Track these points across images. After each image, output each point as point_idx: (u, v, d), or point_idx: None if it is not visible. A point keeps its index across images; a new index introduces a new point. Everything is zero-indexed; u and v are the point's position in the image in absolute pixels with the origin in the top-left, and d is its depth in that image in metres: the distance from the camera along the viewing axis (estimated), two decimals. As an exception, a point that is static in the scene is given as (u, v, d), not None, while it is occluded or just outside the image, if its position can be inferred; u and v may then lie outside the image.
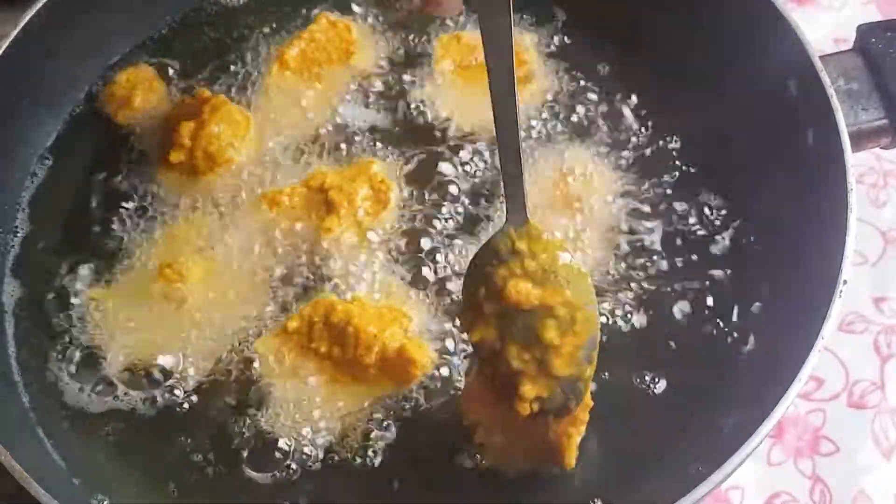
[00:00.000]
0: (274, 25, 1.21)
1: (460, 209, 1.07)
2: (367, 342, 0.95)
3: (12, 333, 1.04)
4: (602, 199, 1.07)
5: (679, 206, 1.07)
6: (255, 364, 0.99)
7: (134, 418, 0.98)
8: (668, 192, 1.08)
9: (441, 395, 0.97)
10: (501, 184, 1.07)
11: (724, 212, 1.07)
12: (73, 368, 1.01)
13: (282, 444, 0.95)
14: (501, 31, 0.72)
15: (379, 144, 1.12)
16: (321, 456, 0.95)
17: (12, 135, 1.11)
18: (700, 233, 1.06)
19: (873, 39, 1.02)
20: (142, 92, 1.15)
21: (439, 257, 1.04)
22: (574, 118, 1.13)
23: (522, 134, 1.10)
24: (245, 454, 0.96)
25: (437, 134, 1.12)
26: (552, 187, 1.07)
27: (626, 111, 1.13)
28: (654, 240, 1.05)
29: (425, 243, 1.05)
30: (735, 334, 1.00)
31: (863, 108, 1.00)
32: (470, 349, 0.98)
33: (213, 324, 1.02)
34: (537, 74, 1.15)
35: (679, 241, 1.05)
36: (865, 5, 1.39)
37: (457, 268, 1.04)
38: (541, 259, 0.80)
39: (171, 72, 1.19)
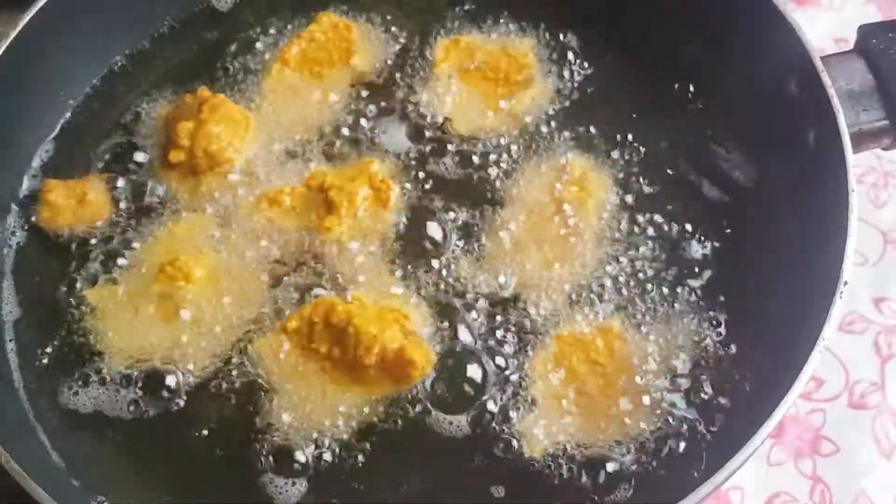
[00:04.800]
0: (275, 25, 1.21)
1: (460, 210, 1.07)
2: (368, 343, 0.95)
3: (12, 335, 1.04)
4: (599, 203, 1.07)
5: (679, 207, 1.07)
6: (255, 364, 0.99)
7: (133, 419, 0.98)
8: (668, 193, 1.08)
9: (440, 395, 0.97)
10: (501, 186, 1.08)
11: (724, 213, 1.07)
12: (72, 369, 1.01)
13: (281, 444, 0.95)
14: None
15: (379, 144, 1.12)
16: (320, 456, 0.95)
17: (12, 130, 1.11)
18: (699, 234, 1.06)
19: (874, 40, 1.02)
20: (89, 202, 1.08)
21: (439, 257, 1.04)
22: (573, 122, 1.13)
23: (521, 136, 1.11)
24: (244, 454, 0.95)
25: (437, 135, 1.12)
26: (549, 191, 1.07)
27: (626, 114, 1.13)
28: (652, 242, 1.05)
29: (425, 243, 1.05)
30: (734, 335, 1.00)
31: (864, 109, 1.00)
32: (469, 349, 0.99)
33: (212, 324, 1.01)
34: (537, 79, 1.15)
35: (677, 243, 1.05)
36: (866, 5, 1.39)
37: (456, 268, 1.03)
38: None
39: (120, 182, 1.11)
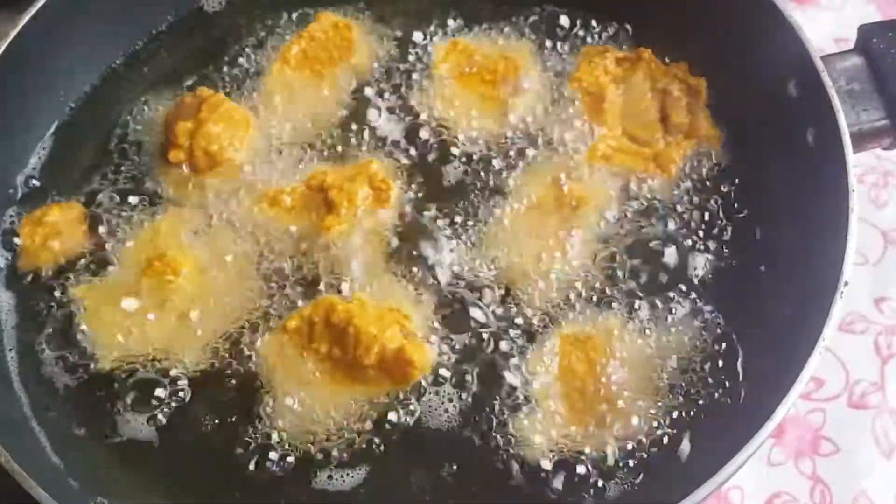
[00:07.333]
0: (275, 24, 1.21)
1: (460, 210, 1.07)
2: (368, 342, 0.95)
3: (9, 335, 1.04)
4: (601, 203, 1.06)
5: (678, 208, 1.07)
6: (255, 364, 0.99)
7: (132, 419, 0.98)
8: (669, 193, 1.08)
9: (439, 396, 0.97)
10: (500, 186, 1.08)
11: (723, 213, 1.06)
12: (70, 369, 1.00)
13: (280, 444, 0.95)
14: None
15: (378, 144, 1.12)
16: (320, 456, 0.95)
17: (10, 130, 1.11)
18: (700, 234, 1.05)
19: (874, 40, 1.02)
20: (65, 235, 1.06)
21: (439, 257, 1.04)
22: (572, 123, 1.12)
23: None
24: (243, 453, 0.95)
25: (436, 135, 1.12)
26: (550, 191, 1.07)
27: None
28: (653, 242, 1.04)
29: (425, 243, 1.05)
30: (734, 335, 1.00)
31: (864, 109, 1.00)
32: (469, 348, 0.99)
33: (211, 323, 1.01)
34: (534, 80, 1.14)
35: (679, 243, 1.05)
36: (866, 5, 1.39)
37: (455, 268, 1.04)
38: None
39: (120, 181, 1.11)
